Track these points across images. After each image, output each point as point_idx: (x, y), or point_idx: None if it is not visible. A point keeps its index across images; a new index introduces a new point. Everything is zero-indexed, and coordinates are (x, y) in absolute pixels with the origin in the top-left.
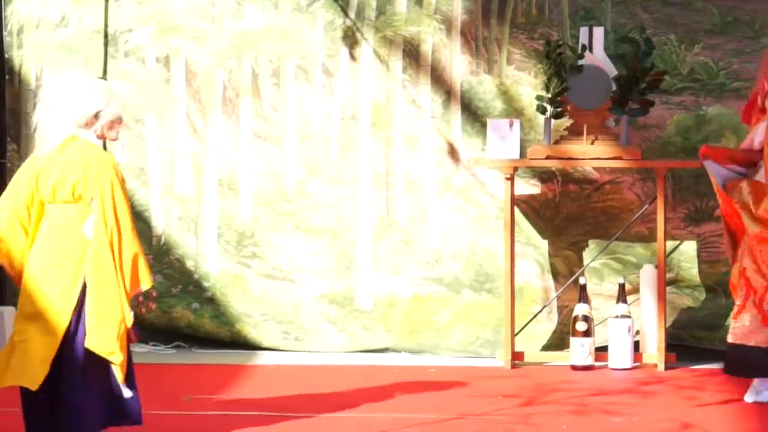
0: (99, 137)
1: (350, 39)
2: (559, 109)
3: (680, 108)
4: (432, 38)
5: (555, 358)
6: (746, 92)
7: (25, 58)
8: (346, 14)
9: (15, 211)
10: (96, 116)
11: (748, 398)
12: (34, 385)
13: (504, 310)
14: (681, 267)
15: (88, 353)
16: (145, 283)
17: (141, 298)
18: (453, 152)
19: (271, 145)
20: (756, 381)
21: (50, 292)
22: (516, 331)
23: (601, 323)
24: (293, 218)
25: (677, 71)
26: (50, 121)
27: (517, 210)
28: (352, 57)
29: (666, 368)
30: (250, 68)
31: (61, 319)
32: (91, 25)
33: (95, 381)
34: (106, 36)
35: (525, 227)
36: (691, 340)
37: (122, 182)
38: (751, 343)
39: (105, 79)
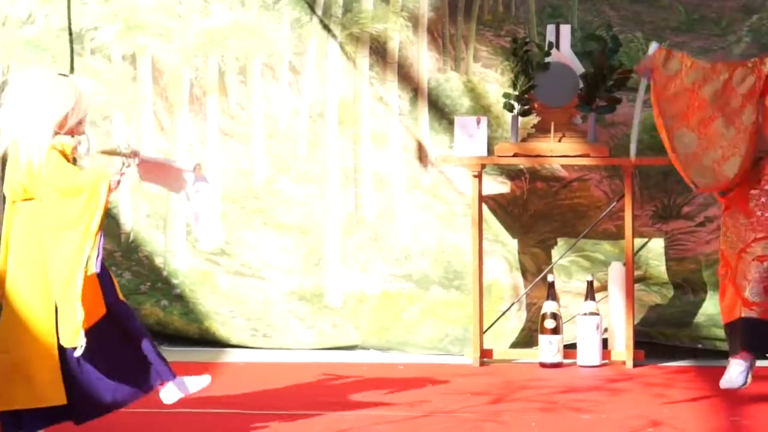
0: (67, 133)
1: (317, 36)
2: (526, 107)
3: (647, 106)
4: (399, 35)
5: (523, 355)
6: None
7: None
8: (312, 11)
9: None
10: (66, 117)
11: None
12: (63, 399)
13: (472, 307)
14: (649, 264)
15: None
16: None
17: None
18: (420, 151)
19: (239, 143)
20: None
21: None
22: (484, 328)
23: (569, 321)
24: (262, 215)
25: None
26: (28, 125)
27: (485, 207)
28: (319, 54)
29: (634, 365)
30: (216, 66)
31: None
32: (57, 22)
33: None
34: (70, 33)
35: (493, 224)
36: (659, 337)
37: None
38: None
39: (68, 75)
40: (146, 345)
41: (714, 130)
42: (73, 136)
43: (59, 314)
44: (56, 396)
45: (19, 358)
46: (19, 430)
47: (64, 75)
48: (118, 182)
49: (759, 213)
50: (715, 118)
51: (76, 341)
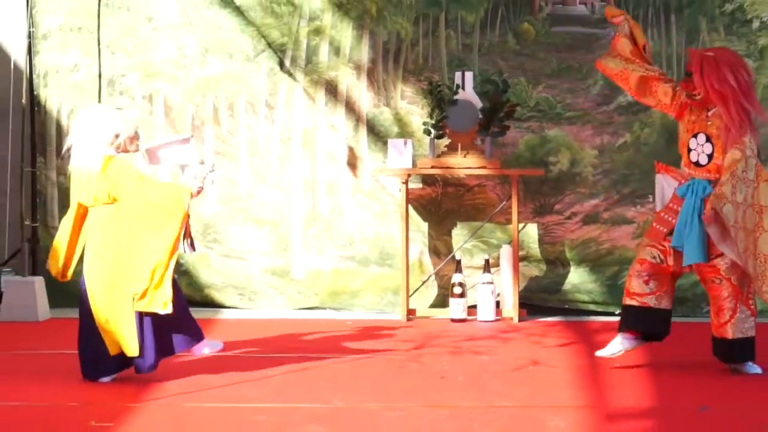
0: (123, 151)
1: (286, 81)
2: (440, 132)
3: (528, 131)
4: (346, 80)
5: (438, 313)
6: (576, 120)
7: (48, 95)
8: (282, 63)
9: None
10: (116, 136)
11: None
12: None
13: (401, 279)
14: (530, 247)
15: None
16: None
17: None
18: (362, 165)
19: (228, 160)
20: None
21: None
22: (410, 294)
23: (471, 288)
24: (245, 213)
25: (526, 104)
26: (86, 143)
27: (410, 206)
28: (288, 94)
29: (519, 320)
30: (212, 103)
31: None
32: (95, 71)
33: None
34: (100, 79)
35: (416, 219)
36: (537, 300)
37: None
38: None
39: (120, 108)
40: (186, 312)
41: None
42: (127, 153)
43: (151, 290)
44: (134, 348)
45: (112, 322)
46: (98, 374)
47: (118, 108)
48: (199, 190)
49: (656, 225)
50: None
51: (168, 309)
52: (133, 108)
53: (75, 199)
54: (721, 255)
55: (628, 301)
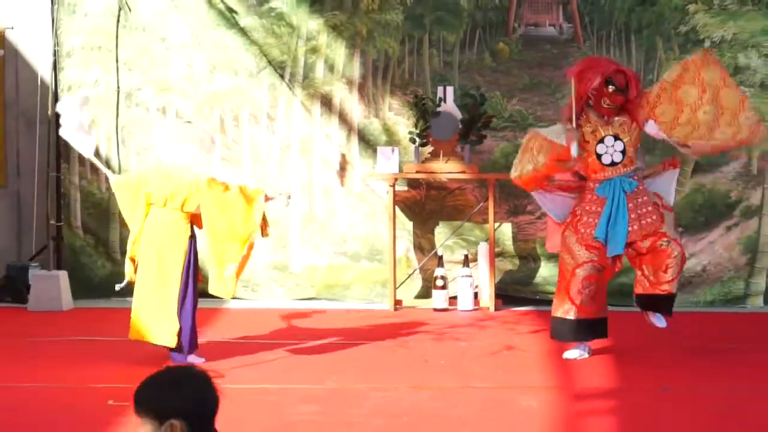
0: None
1: (285, 95)
2: (424, 140)
3: (504, 140)
4: (340, 93)
5: (423, 303)
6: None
7: None
8: (282, 78)
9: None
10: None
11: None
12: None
13: (389, 272)
14: (504, 244)
15: None
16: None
17: None
18: (353, 170)
19: (233, 166)
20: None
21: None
22: (397, 286)
23: (452, 281)
24: None
25: (501, 115)
26: (181, 156)
27: (396, 207)
28: (287, 107)
29: (495, 310)
30: (218, 115)
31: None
32: (113, 85)
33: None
34: (118, 93)
35: (402, 218)
36: (511, 291)
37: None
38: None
39: (190, 122)
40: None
41: None
42: None
43: (220, 280)
44: (172, 340)
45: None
46: None
47: (188, 122)
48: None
49: (582, 230)
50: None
51: (233, 293)
52: (144, 121)
53: (146, 199)
54: (659, 228)
55: (578, 315)
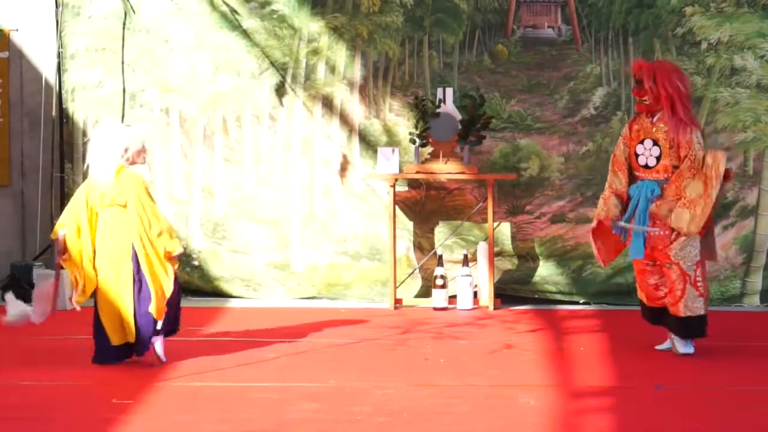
0: (131, 163)
1: (287, 96)
2: (424, 141)
3: (502, 140)
4: (341, 95)
5: (422, 302)
6: (544, 130)
7: (76, 108)
8: (284, 79)
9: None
10: (126, 150)
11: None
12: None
13: (389, 271)
14: (503, 243)
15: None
16: (176, 249)
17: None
18: (354, 170)
19: (235, 166)
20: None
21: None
22: (397, 285)
23: (452, 280)
24: (250, 213)
25: (500, 116)
26: (100, 157)
27: (397, 207)
28: (288, 108)
29: (494, 309)
30: (221, 116)
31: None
32: (117, 87)
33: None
34: (124, 94)
35: (402, 218)
36: (510, 290)
37: (147, 189)
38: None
39: (129, 125)
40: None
41: None
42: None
43: (157, 281)
44: (131, 336)
45: (113, 314)
46: (103, 359)
47: (127, 125)
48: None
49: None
50: None
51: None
52: (149, 122)
53: (88, 205)
54: (669, 246)
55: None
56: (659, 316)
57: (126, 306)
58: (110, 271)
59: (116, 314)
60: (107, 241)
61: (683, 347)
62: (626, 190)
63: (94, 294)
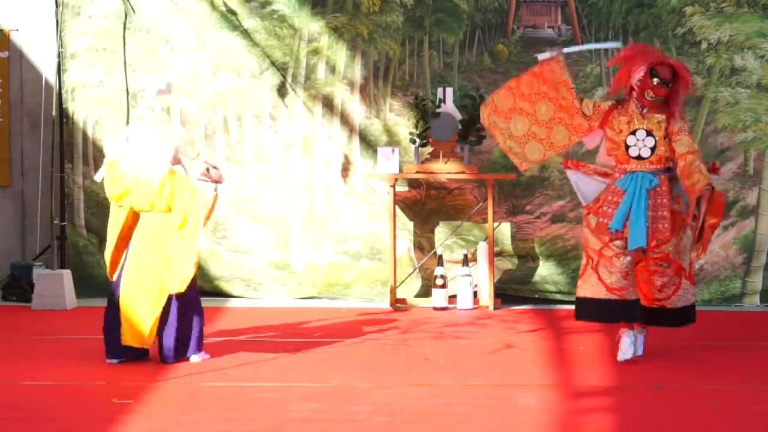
0: (174, 163)
1: (288, 95)
2: (424, 141)
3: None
4: (341, 94)
5: (423, 302)
6: None
7: (76, 108)
8: (285, 79)
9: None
10: (176, 150)
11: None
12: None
13: (389, 271)
14: (504, 243)
15: None
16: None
17: None
18: (354, 170)
19: (236, 165)
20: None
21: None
22: (397, 285)
23: (452, 280)
24: (250, 213)
25: None
26: (151, 156)
27: (397, 207)
28: (289, 107)
29: (494, 309)
30: (222, 115)
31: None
32: (118, 86)
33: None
34: (127, 94)
35: (402, 218)
36: (510, 290)
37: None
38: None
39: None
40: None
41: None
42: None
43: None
44: (145, 342)
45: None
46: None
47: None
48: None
49: (600, 219)
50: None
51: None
52: (153, 119)
53: (128, 205)
54: (669, 241)
55: (608, 295)
56: (627, 314)
57: (148, 316)
58: (140, 279)
59: (136, 319)
60: (146, 247)
61: (640, 348)
62: (574, 102)
63: (110, 295)
